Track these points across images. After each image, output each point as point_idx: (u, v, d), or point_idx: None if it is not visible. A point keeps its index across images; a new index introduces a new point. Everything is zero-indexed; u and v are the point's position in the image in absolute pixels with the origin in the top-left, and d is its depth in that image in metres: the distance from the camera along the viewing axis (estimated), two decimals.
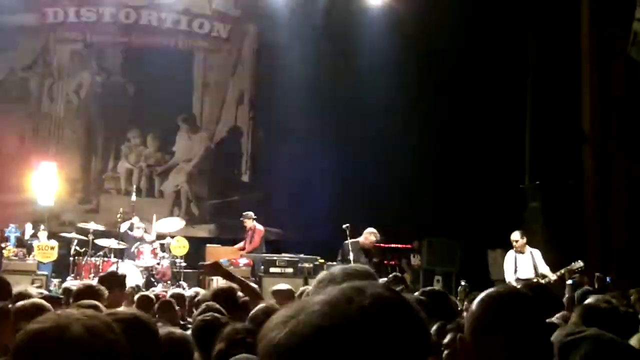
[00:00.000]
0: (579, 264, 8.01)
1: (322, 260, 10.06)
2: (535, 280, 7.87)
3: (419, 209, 11.57)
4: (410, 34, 12.02)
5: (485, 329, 1.63)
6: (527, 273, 8.26)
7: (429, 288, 3.98)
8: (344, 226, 9.38)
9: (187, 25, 13.01)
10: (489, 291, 1.71)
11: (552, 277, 8.02)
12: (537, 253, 8.43)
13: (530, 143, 11.84)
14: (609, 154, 11.06)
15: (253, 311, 3.26)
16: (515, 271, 8.35)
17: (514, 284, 8.01)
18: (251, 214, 10.54)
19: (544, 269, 8.27)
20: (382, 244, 11.01)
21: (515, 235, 8.44)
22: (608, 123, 11.14)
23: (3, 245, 9.61)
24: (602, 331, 1.94)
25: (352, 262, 8.84)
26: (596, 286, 8.09)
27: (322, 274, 1.92)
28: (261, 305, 3.39)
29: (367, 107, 12.26)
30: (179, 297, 5.74)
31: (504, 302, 1.66)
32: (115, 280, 5.19)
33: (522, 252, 8.37)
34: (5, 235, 9.81)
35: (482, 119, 11.84)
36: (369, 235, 9.14)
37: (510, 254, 8.49)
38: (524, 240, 8.40)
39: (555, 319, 3.41)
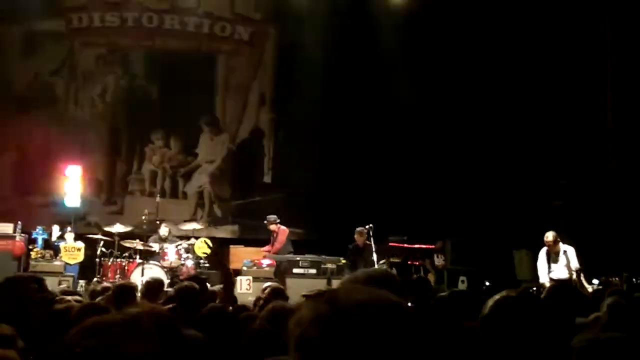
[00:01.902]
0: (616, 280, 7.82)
1: (345, 261, 10.06)
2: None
3: (442, 209, 11.50)
4: (431, 34, 11.96)
5: (496, 330, 1.64)
6: (561, 273, 8.11)
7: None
8: (366, 227, 9.37)
9: (209, 29, 13.11)
10: (501, 294, 1.74)
11: (588, 289, 7.81)
12: (570, 251, 8.22)
13: (555, 142, 11.69)
14: (634, 152, 10.87)
15: (267, 311, 3.29)
16: (550, 271, 8.21)
17: (548, 283, 7.89)
18: (274, 217, 10.52)
19: (576, 267, 8.06)
20: (405, 244, 10.98)
21: (549, 237, 8.25)
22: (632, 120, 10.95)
23: (30, 247, 9.78)
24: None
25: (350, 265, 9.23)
26: (624, 287, 7.95)
27: (346, 277, 1.97)
28: (274, 304, 3.43)
29: (390, 107, 12.23)
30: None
31: (513, 305, 1.67)
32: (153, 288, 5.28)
33: (556, 253, 8.22)
34: (33, 237, 9.98)
35: (506, 119, 11.72)
36: (357, 235, 9.79)
37: (544, 253, 8.33)
38: (558, 241, 8.21)
39: (583, 319, 3.40)
